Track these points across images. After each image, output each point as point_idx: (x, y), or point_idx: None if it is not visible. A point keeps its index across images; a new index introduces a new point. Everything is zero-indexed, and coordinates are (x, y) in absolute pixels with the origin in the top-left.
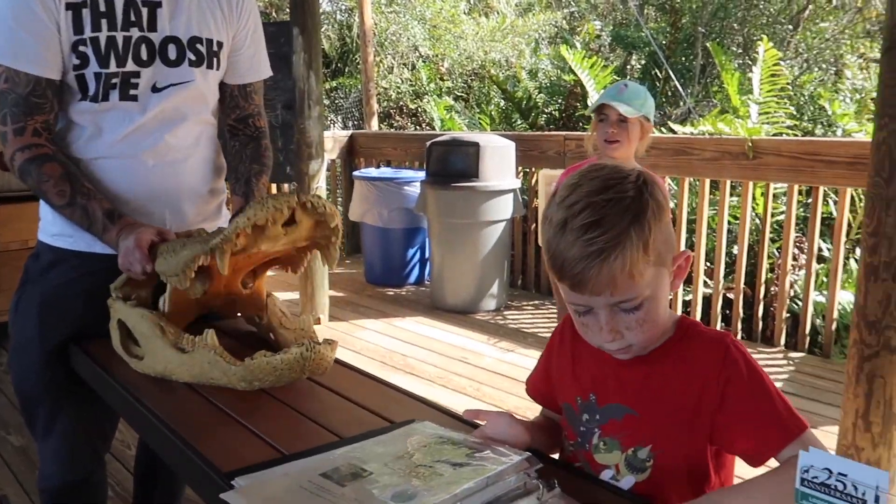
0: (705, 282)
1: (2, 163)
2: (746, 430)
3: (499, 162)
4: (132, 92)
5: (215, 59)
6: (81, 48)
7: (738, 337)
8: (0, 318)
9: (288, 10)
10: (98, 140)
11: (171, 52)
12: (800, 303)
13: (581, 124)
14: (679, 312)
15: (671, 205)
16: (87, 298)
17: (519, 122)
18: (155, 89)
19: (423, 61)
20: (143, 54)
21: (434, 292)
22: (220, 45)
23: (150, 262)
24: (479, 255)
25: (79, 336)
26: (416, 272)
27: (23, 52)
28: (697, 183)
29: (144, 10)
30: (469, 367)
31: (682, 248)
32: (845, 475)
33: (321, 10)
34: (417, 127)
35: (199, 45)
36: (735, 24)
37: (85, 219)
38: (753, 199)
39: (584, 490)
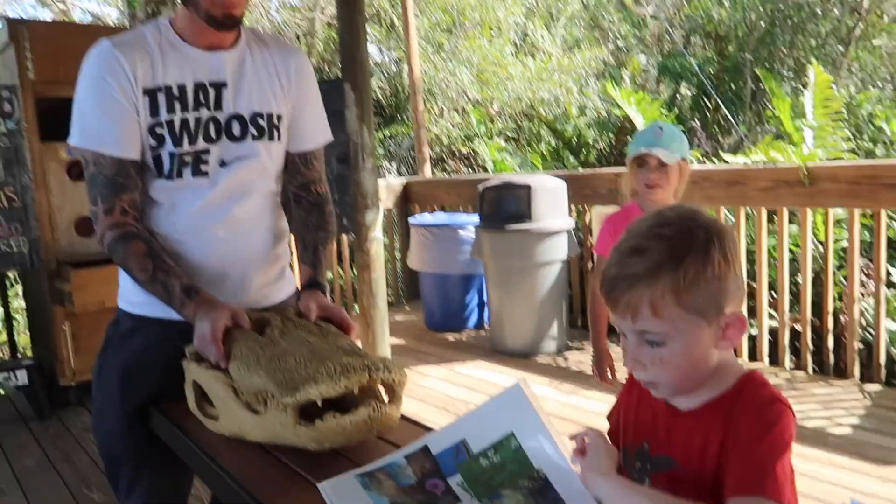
0: (770, 314)
1: (79, 228)
2: (730, 465)
3: (551, 202)
4: (203, 168)
5: (276, 132)
6: (158, 130)
7: (809, 370)
8: (81, 377)
9: (339, 64)
10: (173, 215)
11: (236, 128)
12: (872, 332)
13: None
14: (745, 349)
15: None
16: (165, 363)
17: (570, 159)
18: (223, 164)
19: (473, 105)
20: (212, 132)
21: (493, 336)
22: (279, 117)
23: (224, 359)
24: (536, 297)
25: (158, 398)
26: (475, 316)
27: (108, 136)
28: (754, 213)
29: (212, 92)
30: None
31: (744, 278)
32: None
33: (372, 62)
34: (470, 169)
35: (260, 120)
36: (784, 49)
37: (165, 294)
38: (814, 226)
39: None
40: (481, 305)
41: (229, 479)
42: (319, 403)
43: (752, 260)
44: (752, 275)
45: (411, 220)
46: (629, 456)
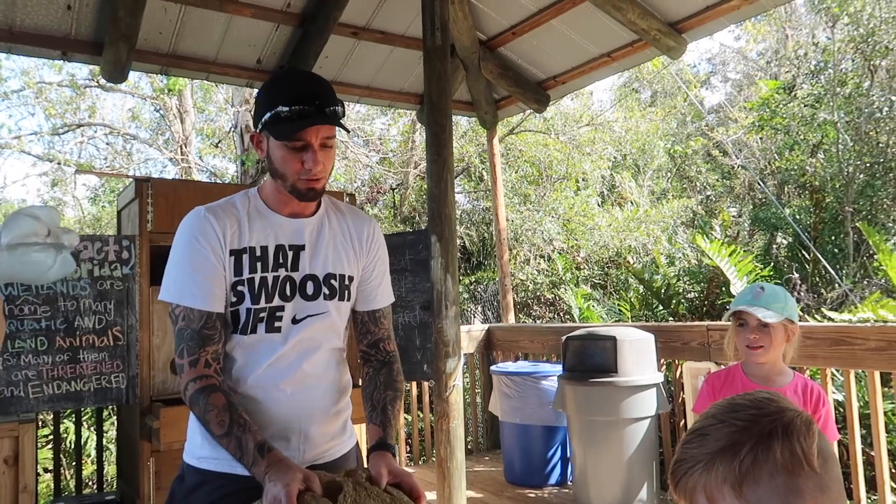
0: (893, 488)
1: (174, 367)
2: None
3: (638, 355)
4: (276, 324)
5: (346, 292)
6: (239, 287)
7: None
8: None
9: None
10: (245, 369)
11: (309, 288)
12: None
13: (725, 311)
14: None
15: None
16: None
17: (659, 308)
18: (294, 321)
19: (559, 253)
20: (287, 291)
21: (577, 494)
22: (350, 279)
23: None
24: (624, 455)
25: None
26: (557, 472)
27: (198, 292)
28: (866, 375)
29: (290, 254)
30: None
31: (859, 445)
32: None
33: (461, 210)
34: (555, 316)
35: (332, 281)
36: (887, 201)
37: (238, 450)
38: None
39: None
40: (565, 461)
41: None
42: None
43: (866, 425)
44: (868, 443)
45: (493, 368)
46: None
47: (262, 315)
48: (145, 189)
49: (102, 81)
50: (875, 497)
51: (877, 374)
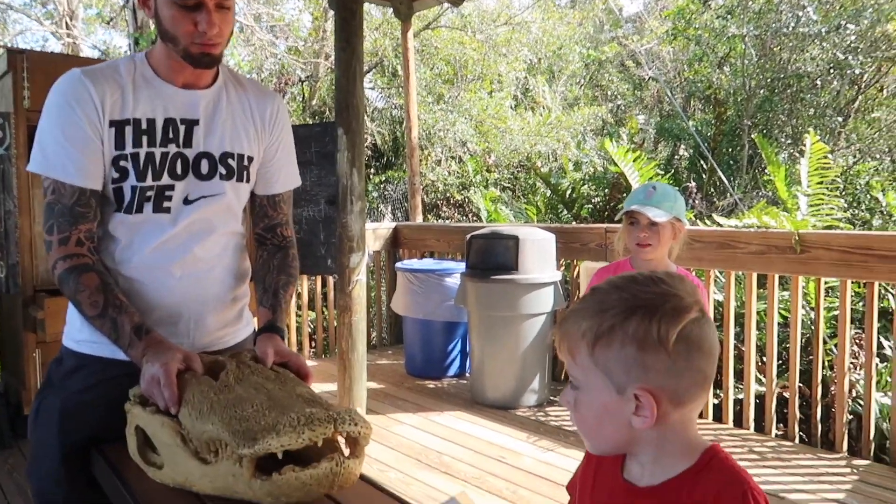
0: (759, 378)
1: None
2: None
3: (539, 254)
4: (165, 204)
5: (245, 173)
6: (122, 163)
7: (796, 440)
8: None
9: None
10: (130, 251)
11: (204, 166)
12: (863, 404)
13: None
14: (730, 413)
15: (718, 297)
16: (107, 405)
17: (564, 212)
18: (187, 201)
19: (470, 155)
20: (178, 169)
21: (474, 386)
22: (250, 159)
23: (176, 404)
24: (519, 349)
25: (99, 441)
26: (456, 365)
27: (70, 165)
28: (745, 276)
29: (182, 128)
30: (506, 468)
31: (732, 341)
32: None
33: (374, 108)
34: (464, 218)
35: (230, 160)
36: (782, 116)
37: (113, 331)
38: (805, 292)
39: None
40: (464, 354)
41: None
42: (280, 456)
43: (741, 323)
44: (741, 339)
45: (398, 264)
46: None
47: (148, 194)
48: (19, 62)
49: None
50: (741, 386)
51: (754, 276)
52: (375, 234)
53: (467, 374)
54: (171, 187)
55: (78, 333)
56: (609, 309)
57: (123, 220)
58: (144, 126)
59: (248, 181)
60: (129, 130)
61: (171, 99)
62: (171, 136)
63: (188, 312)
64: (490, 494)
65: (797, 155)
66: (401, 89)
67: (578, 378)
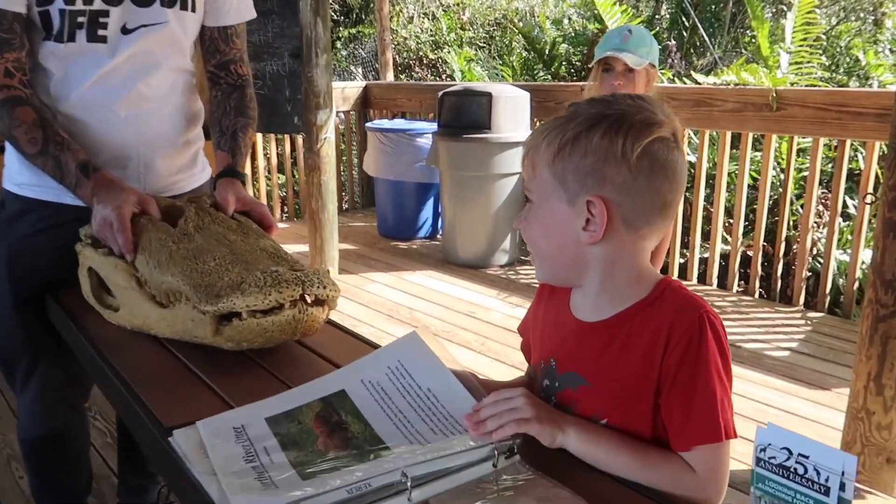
0: (725, 238)
1: None
2: (673, 412)
3: (512, 113)
4: (101, 32)
5: (191, 0)
6: None
7: (756, 296)
8: None
9: None
10: (66, 86)
11: None
12: (822, 261)
13: None
14: (695, 271)
15: (691, 158)
16: (59, 249)
17: (541, 72)
18: (125, 31)
19: (444, 11)
20: None
21: (445, 246)
22: None
23: (131, 251)
24: (491, 209)
25: (54, 286)
26: (428, 225)
27: None
28: (719, 136)
29: None
30: (476, 322)
31: (701, 202)
32: (807, 457)
33: None
34: (437, 78)
35: None
36: None
37: (57, 170)
38: (777, 153)
39: (542, 456)
40: (435, 215)
41: (109, 371)
42: (244, 316)
43: (711, 184)
44: (710, 200)
45: (368, 124)
46: (535, 373)
47: (80, 19)
48: None
49: None
50: (707, 244)
51: (728, 136)
52: (344, 94)
53: (439, 236)
54: (106, 13)
55: (18, 176)
56: (576, 118)
57: (55, 49)
58: None
59: (193, 10)
60: None
61: None
62: None
63: (136, 155)
64: (460, 346)
65: (783, 8)
66: None
67: (532, 189)
